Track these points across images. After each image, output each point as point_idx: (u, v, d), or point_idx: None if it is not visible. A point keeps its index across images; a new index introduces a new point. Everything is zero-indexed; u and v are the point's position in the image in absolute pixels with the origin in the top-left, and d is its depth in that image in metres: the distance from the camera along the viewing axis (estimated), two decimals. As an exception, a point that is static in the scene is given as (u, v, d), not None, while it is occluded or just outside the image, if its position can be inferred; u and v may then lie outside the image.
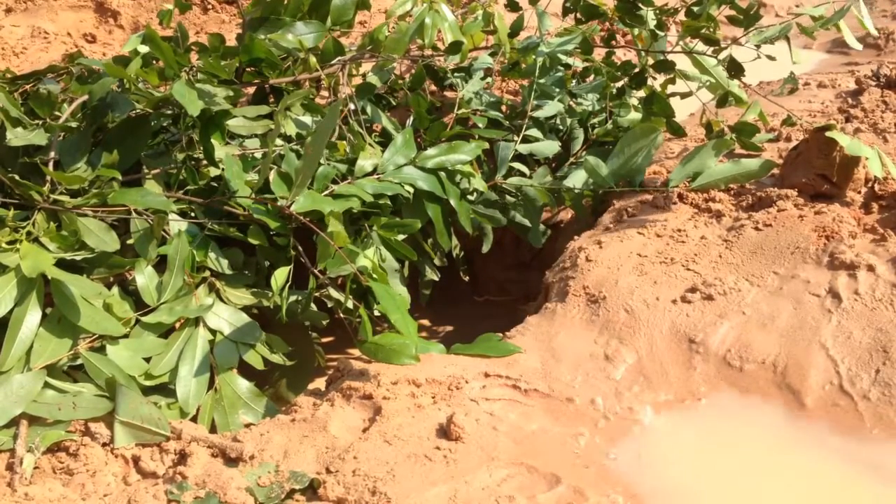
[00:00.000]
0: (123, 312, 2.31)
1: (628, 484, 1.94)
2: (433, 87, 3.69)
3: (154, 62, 2.83)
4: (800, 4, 6.50)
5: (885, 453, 1.97)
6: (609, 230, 2.93)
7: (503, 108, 3.59)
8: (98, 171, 2.51)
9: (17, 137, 2.51)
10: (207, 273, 2.51)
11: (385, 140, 3.10)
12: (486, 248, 3.15)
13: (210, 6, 5.55)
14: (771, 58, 3.14)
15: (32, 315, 2.14)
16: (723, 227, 2.80)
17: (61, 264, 2.30)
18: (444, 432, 2.03)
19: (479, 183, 3.03)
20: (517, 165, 3.22)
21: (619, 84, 3.67)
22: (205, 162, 2.72)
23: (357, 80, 3.34)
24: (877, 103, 3.52)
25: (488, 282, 3.83)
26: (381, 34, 3.05)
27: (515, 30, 3.52)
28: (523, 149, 3.27)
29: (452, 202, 2.88)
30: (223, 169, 2.58)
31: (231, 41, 3.16)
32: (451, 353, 2.42)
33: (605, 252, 2.75)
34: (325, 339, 3.01)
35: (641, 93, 3.60)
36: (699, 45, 3.25)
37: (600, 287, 2.58)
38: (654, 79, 3.63)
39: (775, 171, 2.93)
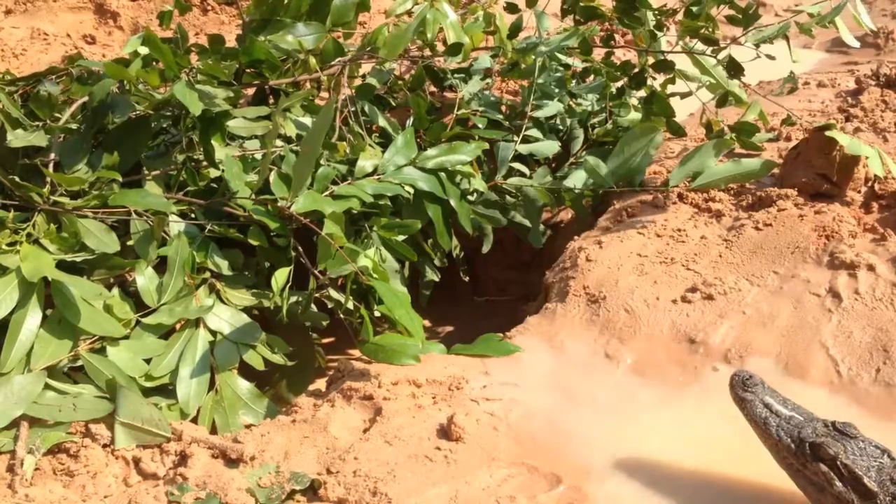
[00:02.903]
0: (124, 314, 2.31)
1: (629, 483, 1.94)
2: (433, 88, 3.69)
3: (154, 63, 2.83)
4: (799, 3, 6.49)
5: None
6: (609, 230, 2.93)
7: (503, 108, 3.59)
8: (98, 172, 2.51)
9: (17, 139, 2.51)
10: (208, 274, 2.51)
11: (385, 141, 3.10)
12: (486, 249, 3.15)
13: (210, 7, 5.55)
14: (770, 57, 3.14)
15: (33, 316, 2.14)
16: (723, 227, 2.80)
17: (61, 266, 2.30)
18: (445, 432, 2.04)
19: (479, 183, 3.03)
20: (517, 165, 3.22)
21: (619, 84, 3.67)
22: (205, 163, 2.72)
23: (357, 82, 3.34)
24: (876, 103, 3.51)
25: (488, 282, 3.83)
26: (380, 36, 3.04)
27: (514, 30, 3.52)
28: (523, 149, 3.27)
29: (453, 203, 2.88)
30: (223, 170, 2.58)
31: (231, 42, 3.16)
32: (451, 353, 2.42)
33: (605, 252, 2.75)
34: (325, 340, 3.01)
35: (641, 93, 3.60)
36: (698, 45, 3.25)
37: (600, 287, 2.58)
38: (654, 79, 3.63)
39: (775, 170, 2.93)
